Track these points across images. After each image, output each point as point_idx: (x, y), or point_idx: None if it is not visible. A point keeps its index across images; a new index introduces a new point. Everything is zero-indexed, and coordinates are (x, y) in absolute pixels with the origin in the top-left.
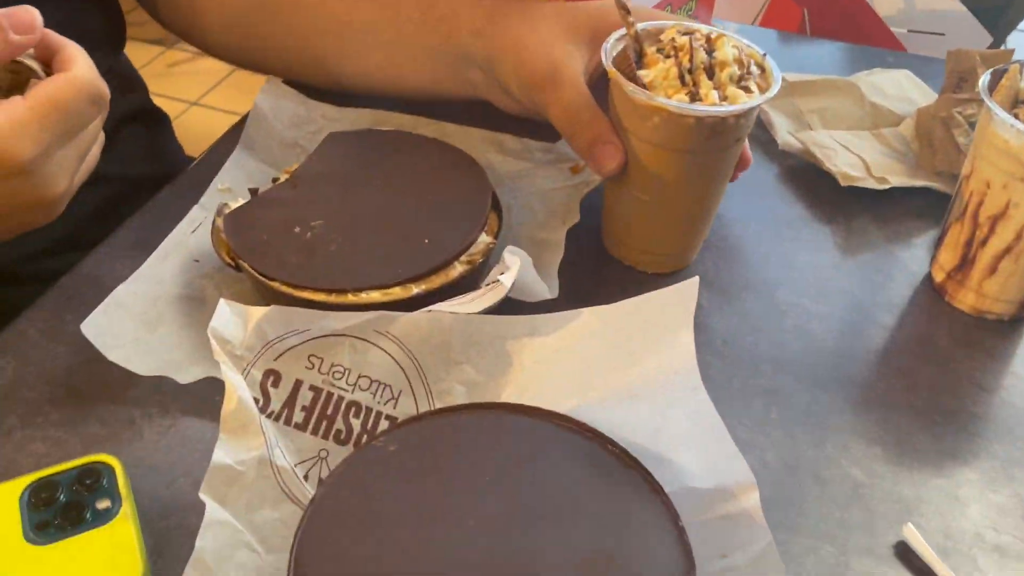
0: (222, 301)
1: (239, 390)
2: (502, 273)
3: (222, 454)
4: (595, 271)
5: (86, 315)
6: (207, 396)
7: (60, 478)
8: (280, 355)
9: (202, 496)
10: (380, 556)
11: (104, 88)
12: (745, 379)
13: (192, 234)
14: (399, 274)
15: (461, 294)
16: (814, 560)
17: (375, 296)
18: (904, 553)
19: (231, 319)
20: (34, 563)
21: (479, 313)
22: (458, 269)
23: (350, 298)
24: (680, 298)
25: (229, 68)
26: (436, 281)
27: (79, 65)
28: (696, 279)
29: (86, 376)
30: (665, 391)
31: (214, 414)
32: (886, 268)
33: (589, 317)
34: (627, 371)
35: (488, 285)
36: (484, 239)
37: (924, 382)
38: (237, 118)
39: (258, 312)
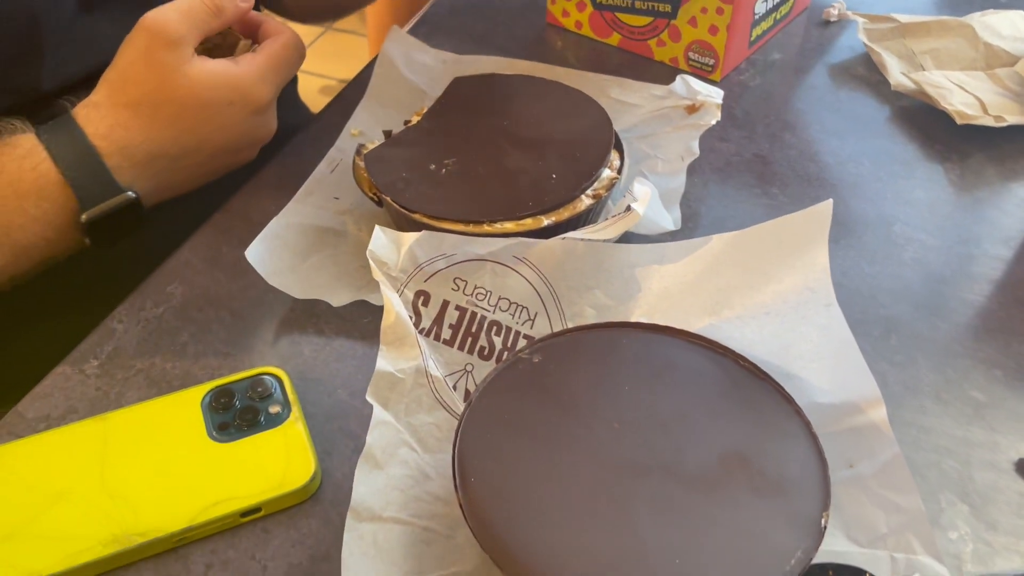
0: (378, 227)
1: (396, 307)
2: (633, 202)
3: (384, 362)
4: (719, 204)
5: (239, 246)
6: (355, 318)
7: (235, 386)
8: (429, 277)
9: (368, 398)
10: (534, 453)
11: (304, 46)
12: (864, 308)
13: (331, 173)
14: (530, 207)
15: (589, 224)
16: (937, 473)
17: (509, 227)
18: None
19: (386, 243)
20: (219, 458)
21: (612, 240)
22: (584, 202)
23: (486, 228)
24: (815, 219)
25: (318, 31)
26: (564, 213)
27: (287, 29)
28: (831, 201)
29: (246, 300)
30: (798, 308)
31: (363, 333)
32: (1002, 204)
33: (718, 243)
34: (760, 290)
35: (618, 215)
36: (608, 174)
37: None
38: (329, 81)
39: (410, 237)
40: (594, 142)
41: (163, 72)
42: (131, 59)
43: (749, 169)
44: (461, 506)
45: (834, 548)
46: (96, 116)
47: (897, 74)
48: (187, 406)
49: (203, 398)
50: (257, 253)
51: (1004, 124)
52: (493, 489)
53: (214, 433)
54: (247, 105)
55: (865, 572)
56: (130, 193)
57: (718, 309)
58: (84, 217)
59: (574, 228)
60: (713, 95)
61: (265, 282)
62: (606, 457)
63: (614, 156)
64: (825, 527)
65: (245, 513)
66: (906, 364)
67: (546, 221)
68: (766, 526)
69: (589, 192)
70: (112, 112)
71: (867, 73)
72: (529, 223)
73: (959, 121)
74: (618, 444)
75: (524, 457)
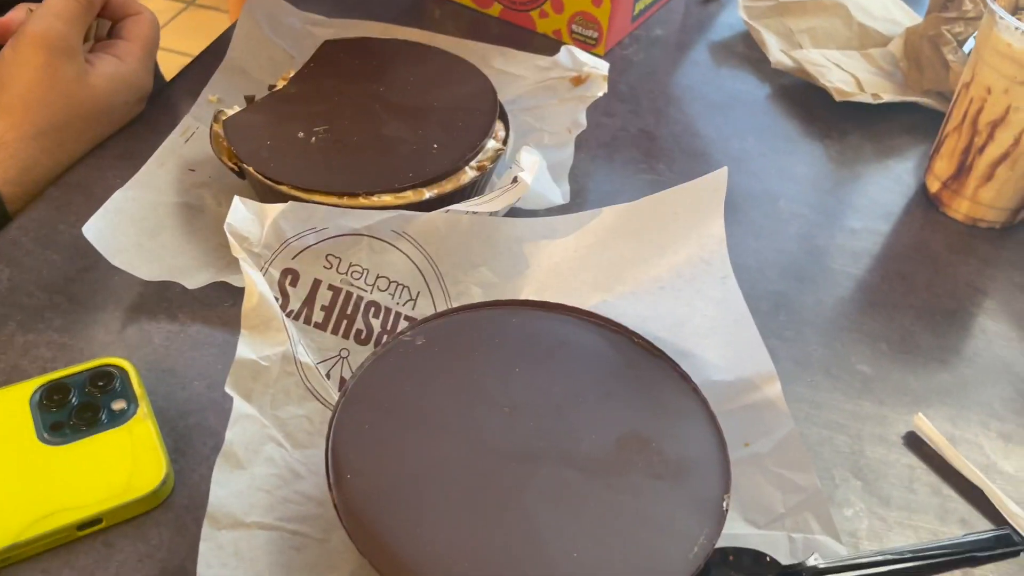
0: (237, 198)
1: (259, 286)
2: (520, 172)
3: (246, 349)
4: (607, 179)
5: (78, 224)
6: (214, 302)
7: (71, 380)
8: (298, 254)
9: (228, 390)
10: (417, 444)
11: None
12: (752, 283)
13: (186, 143)
14: (410, 178)
15: (474, 197)
16: (830, 449)
17: (387, 199)
18: (915, 442)
19: (247, 216)
20: (52, 462)
21: (498, 214)
22: (468, 174)
23: (362, 201)
24: (710, 188)
25: (179, 7)
26: (447, 185)
27: (143, 7)
28: (725, 169)
29: (86, 284)
30: (693, 282)
31: (223, 318)
32: (881, 180)
33: (610, 215)
34: (654, 264)
35: (504, 187)
36: (493, 144)
37: (922, 284)
38: (189, 59)
39: (275, 209)
40: (477, 111)
41: (68, 89)
42: (30, 81)
43: (635, 144)
44: (336, 506)
45: (732, 531)
46: (4, 157)
47: (776, 52)
48: (12, 404)
49: (32, 395)
50: (97, 230)
51: (880, 101)
52: (371, 486)
53: (45, 435)
54: (141, 99)
55: (766, 556)
56: None
57: (611, 285)
58: None
59: (458, 201)
60: (599, 67)
61: (109, 264)
62: (496, 445)
63: (499, 127)
64: (727, 510)
65: (83, 526)
66: (795, 339)
67: (428, 193)
68: (667, 511)
69: (473, 164)
70: (22, 149)
71: (747, 51)
72: (410, 195)
73: (837, 98)
74: (509, 430)
75: (406, 449)
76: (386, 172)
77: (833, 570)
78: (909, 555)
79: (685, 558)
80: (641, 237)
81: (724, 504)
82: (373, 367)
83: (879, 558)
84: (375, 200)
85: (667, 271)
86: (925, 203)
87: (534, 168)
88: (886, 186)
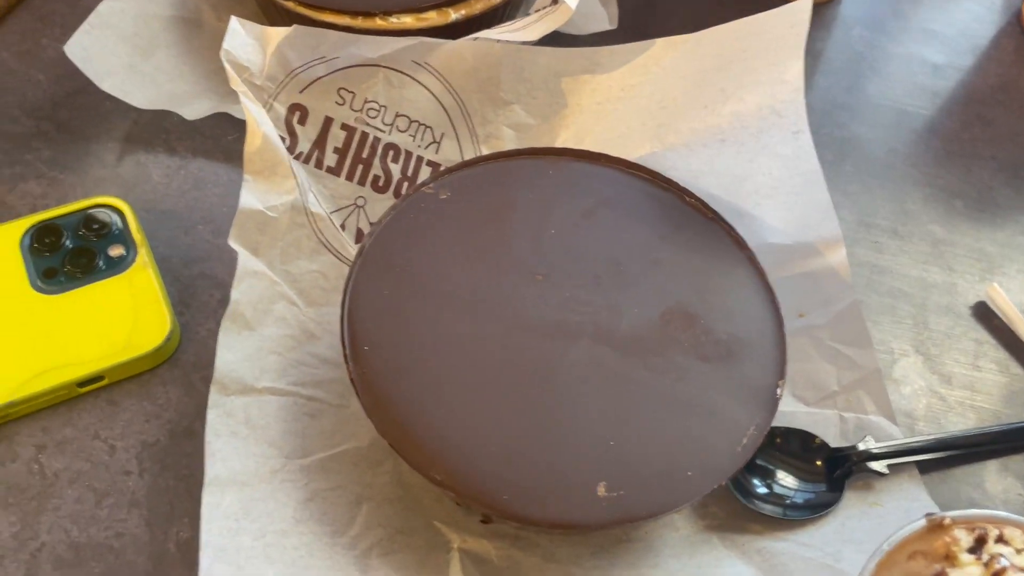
0: (234, 19)
1: (263, 125)
2: None
3: (250, 198)
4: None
5: (63, 37)
6: (217, 134)
7: (63, 221)
8: (306, 86)
9: (232, 244)
10: (440, 313)
11: None
12: (816, 127)
13: None
14: None
15: (506, 21)
16: (890, 319)
17: (407, 21)
18: (984, 314)
19: (247, 41)
20: (47, 313)
21: (533, 43)
22: None
23: (379, 22)
24: (789, 21)
25: None
26: (476, 5)
27: None
28: (809, 0)
29: (75, 109)
30: (759, 135)
31: (228, 154)
32: (971, 6)
33: (664, 49)
34: (714, 111)
35: (542, 9)
36: None
37: (1006, 133)
38: None
39: (278, 33)
40: None
41: None
42: None
43: None
44: (352, 381)
45: (779, 408)
46: None
47: None
48: (3, 247)
49: (21, 237)
50: (83, 48)
51: None
52: (390, 360)
53: (39, 282)
54: None
55: (815, 438)
56: None
57: (662, 133)
58: None
59: (488, 26)
60: None
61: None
62: (527, 317)
63: None
64: (780, 397)
65: (84, 383)
66: (860, 194)
67: (454, 15)
68: (714, 397)
69: None
70: None
71: None
72: (433, 16)
73: None
74: (541, 301)
75: (427, 319)
76: None
77: (885, 455)
78: (967, 438)
79: (732, 451)
80: (701, 78)
81: (778, 392)
82: (392, 224)
83: (935, 442)
84: (393, 22)
85: (729, 121)
86: (1018, 36)
87: None
88: (977, 14)
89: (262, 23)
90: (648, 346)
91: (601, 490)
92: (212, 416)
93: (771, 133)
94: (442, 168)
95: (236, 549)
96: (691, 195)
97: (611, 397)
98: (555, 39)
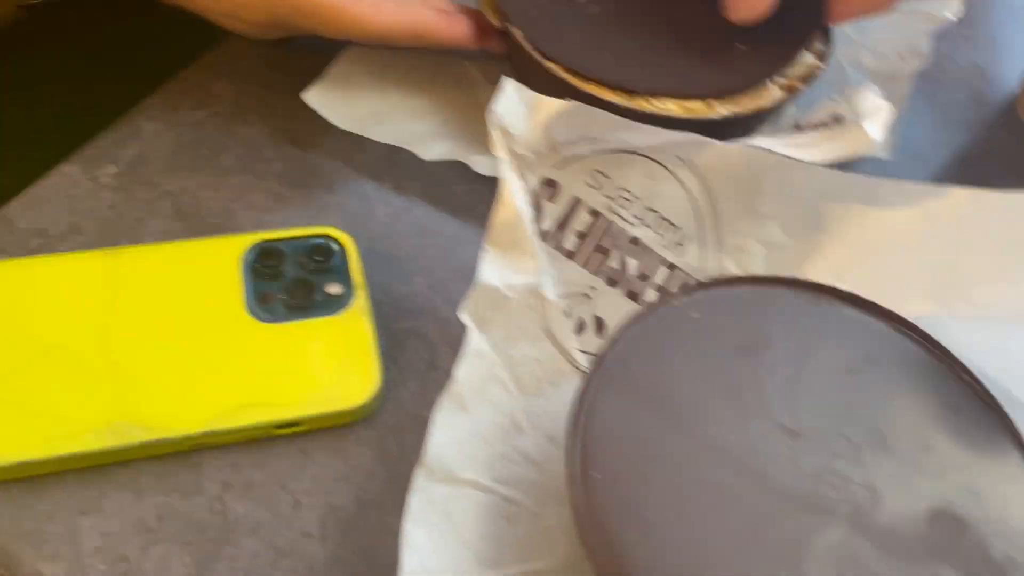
0: (509, 82)
1: (517, 199)
2: (862, 118)
3: (490, 273)
4: (930, 130)
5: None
6: (448, 181)
7: (287, 246)
8: (565, 163)
9: (463, 317)
10: (681, 455)
11: None
12: None
13: None
14: (704, 84)
15: (768, 122)
16: None
17: (671, 107)
18: None
19: (517, 107)
20: (259, 342)
21: (816, 163)
22: (775, 93)
23: (642, 103)
24: None
25: None
26: (747, 103)
27: None
28: None
29: (310, 124)
30: None
31: (456, 206)
32: None
33: (963, 200)
34: (1018, 285)
35: (825, 126)
36: (809, 60)
37: None
38: None
39: (553, 105)
40: (795, 14)
41: None
42: None
43: (967, 83)
44: (577, 509)
45: None
46: None
47: None
48: (224, 259)
49: (244, 253)
50: (320, 95)
51: None
52: (621, 494)
53: (254, 306)
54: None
55: None
56: None
57: (948, 297)
58: None
59: (755, 125)
60: None
61: None
62: (777, 479)
63: (818, 40)
64: None
65: (281, 425)
66: None
67: (721, 109)
68: None
69: (782, 80)
70: None
71: None
72: (699, 107)
73: None
74: (793, 464)
75: (667, 458)
76: (676, 71)
77: None
78: None
79: None
80: (1010, 247)
81: None
82: (635, 337)
83: None
84: (656, 104)
85: None
86: None
87: (881, 117)
88: None
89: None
90: (910, 550)
91: None
92: (415, 502)
93: None
94: (693, 283)
95: None
96: (969, 373)
97: None
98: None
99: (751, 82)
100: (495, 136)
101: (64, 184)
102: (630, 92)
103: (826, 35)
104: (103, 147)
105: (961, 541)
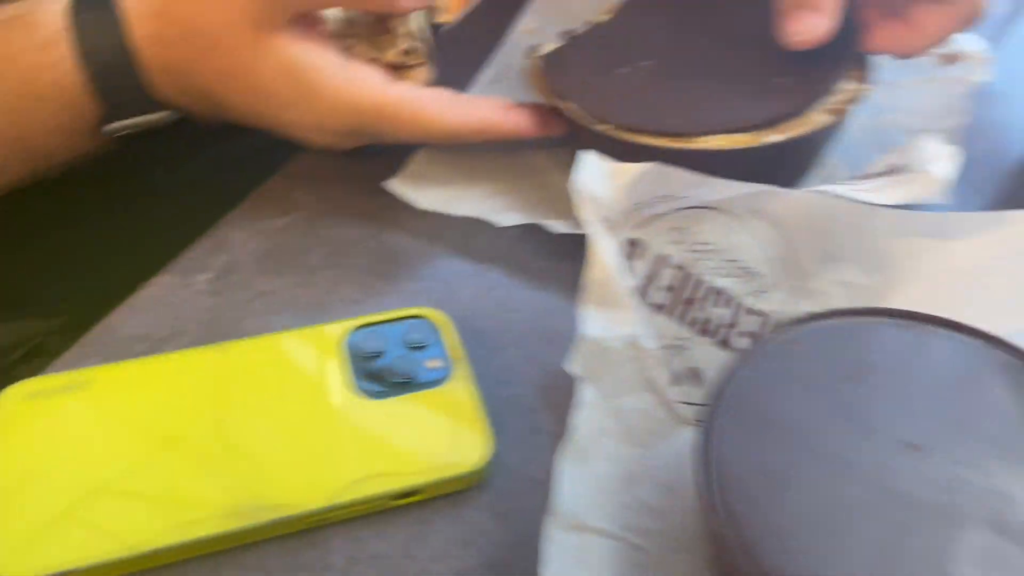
0: (588, 153)
1: (609, 257)
2: (929, 163)
3: (591, 326)
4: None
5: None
6: (524, 259)
7: (385, 329)
8: (646, 222)
9: (574, 369)
10: (811, 478)
11: None
12: None
13: (490, 84)
14: (748, 116)
15: (815, 144)
16: None
17: (720, 142)
18: None
19: (598, 173)
20: (369, 419)
21: (883, 205)
22: (821, 118)
23: (692, 143)
24: None
25: None
26: (793, 128)
27: None
28: None
29: (388, 221)
30: None
31: (534, 281)
32: None
33: None
34: None
35: (895, 172)
36: (851, 85)
37: None
38: None
39: (632, 169)
40: (834, 42)
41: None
42: None
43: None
44: (727, 543)
45: None
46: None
47: None
48: (327, 345)
49: (346, 338)
50: (401, 184)
51: None
52: (768, 524)
53: (361, 385)
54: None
55: None
56: (168, 112)
57: None
58: (106, 129)
59: (805, 151)
60: (975, 46)
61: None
62: (908, 492)
63: (856, 67)
64: None
65: (400, 495)
66: None
67: (767, 138)
68: None
69: (827, 106)
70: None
71: None
72: (745, 138)
73: None
74: (919, 475)
75: (799, 482)
76: (720, 109)
77: None
78: None
79: None
80: None
81: None
82: (745, 369)
83: None
84: (705, 141)
85: None
86: None
87: (945, 161)
88: None
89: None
90: None
91: None
92: (550, 551)
93: None
94: (787, 320)
95: None
96: None
97: None
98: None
99: (794, 109)
100: (581, 202)
101: (162, 292)
102: (681, 135)
103: (863, 61)
104: (195, 257)
105: None
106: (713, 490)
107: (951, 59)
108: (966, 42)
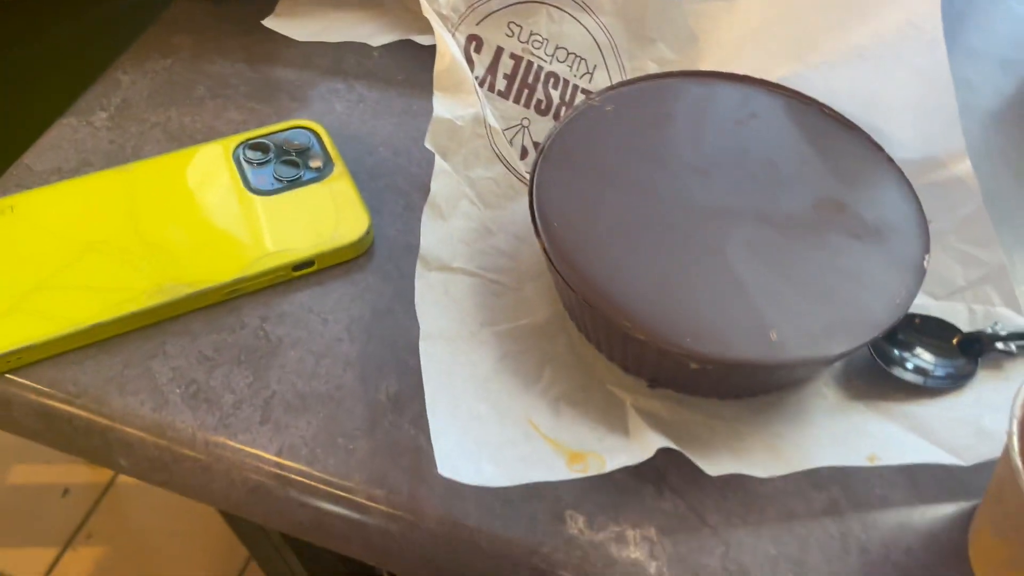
0: None
1: (452, 48)
2: None
3: (441, 109)
4: None
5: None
6: (389, 76)
7: (268, 139)
8: (482, 19)
9: (428, 145)
10: (617, 200)
11: None
12: None
13: None
14: None
15: None
16: (1009, 227)
17: None
18: None
19: None
20: (263, 210)
21: None
22: None
23: None
24: None
25: None
26: None
27: None
28: None
29: (262, 52)
30: (896, 47)
31: (397, 90)
32: None
33: None
34: (854, 30)
35: None
36: None
37: None
38: None
39: None
40: None
41: None
42: None
43: None
44: (545, 250)
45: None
46: None
47: None
48: (218, 158)
49: (234, 150)
50: (277, 22)
51: None
52: (576, 234)
53: (252, 185)
54: None
55: (949, 324)
56: None
57: (802, 54)
58: None
59: None
60: None
61: (280, 35)
62: (695, 203)
63: None
64: (926, 268)
65: (298, 267)
66: (974, 131)
67: None
68: (867, 268)
69: None
70: None
71: None
72: None
73: None
74: (706, 190)
75: (605, 204)
76: None
77: (1013, 336)
78: None
79: (887, 308)
80: (839, 2)
81: (924, 262)
82: (566, 129)
83: None
84: None
85: (869, 37)
86: None
87: None
88: None
89: None
90: (804, 226)
91: (773, 335)
92: (419, 285)
93: (906, 44)
94: (605, 88)
95: (451, 386)
96: (831, 109)
97: (776, 264)
98: None
99: None
100: (424, 3)
101: (66, 132)
102: None
103: None
104: (91, 99)
105: (842, 215)
106: (536, 219)
107: None
108: None
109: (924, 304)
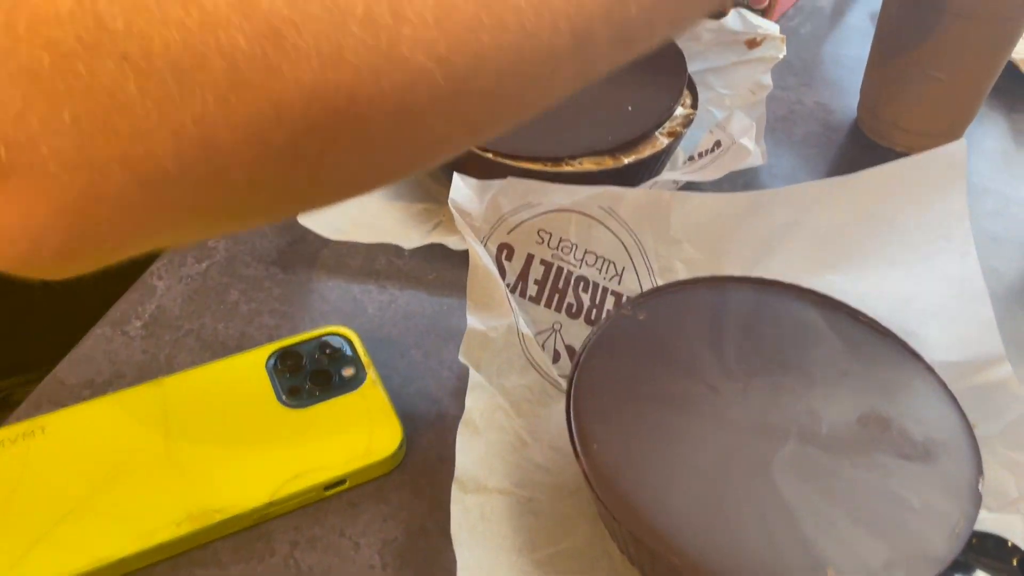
0: (457, 175)
1: (484, 260)
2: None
3: (475, 320)
4: (789, 154)
5: None
6: (420, 275)
7: (301, 348)
8: (513, 229)
9: (461, 359)
10: (655, 417)
11: None
12: None
13: None
14: (610, 142)
15: (666, 161)
16: None
17: (588, 165)
18: None
19: (467, 192)
20: (295, 425)
21: (717, 178)
22: (663, 141)
23: (564, 167)
24: (949, 160)
25: None
26: (644, 151)
27: None
28: (963, 141)
29: (296, 255)
30: (929, 259)
31: (429, 288)
32: None
33: (826, 189)
34: (884, 239)
35: (713, 151)
36: (683, 110)
37: None
38: None
39: (494, 185)
40: (668, 77)
41: None
42: None
43: (813, 118)
44: (585, 474)
45: None
46: None
47: None
48: (251, 369)
49: (267, 360)
50: (310, 219)
51: None
52: (617, 456)
53: (284, 398)
54: None
55: (1008, 541)
56: None
57: (832, 261)
58: None
59: (655, 167)
60: (772, 28)
61: (314, 236)
62: (735, 420)
63: (687, 95)
64: (982, 493)
65: (329, 486)
66: (1005, 320)
67: (627, 160)
68: (920, 492)
69: (666, 129)
70: None
71: None
72: (609, 161)
73: None
74: (745, 406)
75: (645, 421)
76: (587, 138)
77: None
78: None
79: (946, 539)
80: (867, 212)
81: (979, 486)
82: (599, 341)
83: None
84: (576, 166)
85: (900, 247)
86: None
87: (750, 132)
88: None
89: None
90: (851, 447)
91: (831, 574)
92: (455, 512)
93: (940, 257)
94: (634, 296)
95: None
96: (863, 315)
97: (825, 488)
98: (720, 184)
99: (644, 135)
100: (457, 217)
101: (100, 342)
102: (555, 160)
103: (692, 90)
104: (125, 307)
105: (888, 433)
106: (575, 438)
107: (754, 44)
108: (766, 25)
109: (980, 518)
